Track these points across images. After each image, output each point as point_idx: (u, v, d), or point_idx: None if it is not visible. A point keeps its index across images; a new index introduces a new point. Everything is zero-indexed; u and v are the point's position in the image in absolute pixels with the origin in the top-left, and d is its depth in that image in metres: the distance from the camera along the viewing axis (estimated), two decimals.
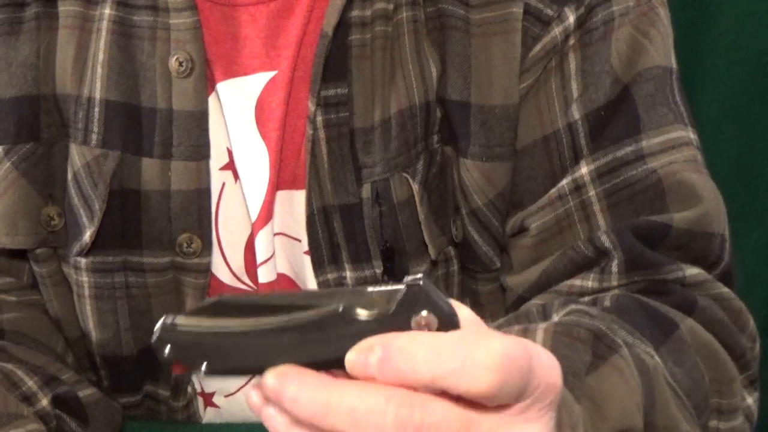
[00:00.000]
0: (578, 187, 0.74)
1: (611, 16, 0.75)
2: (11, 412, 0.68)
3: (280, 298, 0.46)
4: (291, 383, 0.44)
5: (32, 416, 0.69)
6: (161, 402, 0.84)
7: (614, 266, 0.71)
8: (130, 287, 0.78)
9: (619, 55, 0.75)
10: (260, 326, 0.45)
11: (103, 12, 0.76)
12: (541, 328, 0.61)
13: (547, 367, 0.45)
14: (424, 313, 0.44)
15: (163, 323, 0.46)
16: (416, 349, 0.43)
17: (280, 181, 0.77)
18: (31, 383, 0.72)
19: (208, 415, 0.85)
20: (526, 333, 0.61)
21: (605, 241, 0.72)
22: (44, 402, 0.72)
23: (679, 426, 0.62)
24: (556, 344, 0.59)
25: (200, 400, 0.85)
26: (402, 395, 0.43)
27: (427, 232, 0.76)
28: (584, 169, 0.74)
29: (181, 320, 0.46)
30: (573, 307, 0.67)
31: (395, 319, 0.44)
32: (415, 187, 0.75)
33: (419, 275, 0.45)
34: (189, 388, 0.83)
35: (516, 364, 0.43)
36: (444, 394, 0.44)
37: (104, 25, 0.76)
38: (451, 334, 0.44)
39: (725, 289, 0.73)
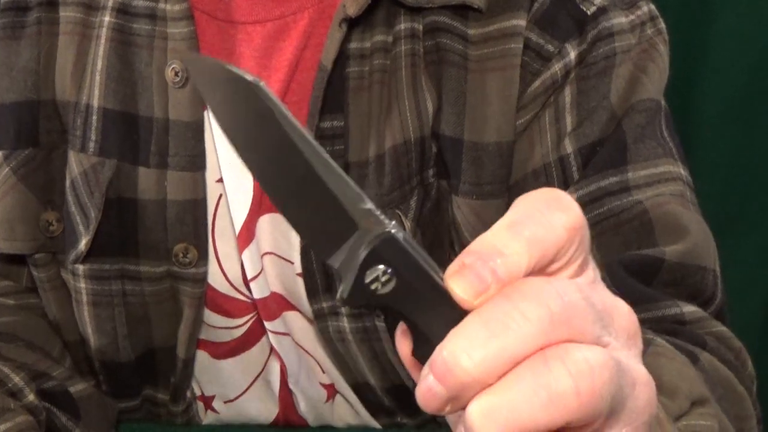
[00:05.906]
0: None
1: (613, 51, 0.74)
2: None
3: None
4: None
5: (20, 409, 0.69)
6: (160, 405, 0.84)
7: None
8: (127, 295, 0.77)
9: (617, 92, 0.74)
10: None
11: (103, 19, 0.75)
12: None
13: None
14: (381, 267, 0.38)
15: None
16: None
17: (267, 205, 0.76)
18: (17, 379, 0.71)
19: (208, 420, 0.85)
20: None
21: None
22: (31, 397, 0.71)
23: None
24: None
25: (200, 405, 0.85)
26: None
27: None
28: None
29: None
30: None
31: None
32: (408, 224, 0.74)
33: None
34: (188, 393, 0.84)
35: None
36: None
37: (104, 32, 0.75)
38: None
39: (723, 327, 0.70)
